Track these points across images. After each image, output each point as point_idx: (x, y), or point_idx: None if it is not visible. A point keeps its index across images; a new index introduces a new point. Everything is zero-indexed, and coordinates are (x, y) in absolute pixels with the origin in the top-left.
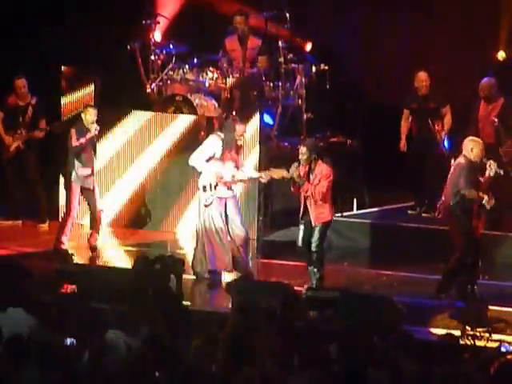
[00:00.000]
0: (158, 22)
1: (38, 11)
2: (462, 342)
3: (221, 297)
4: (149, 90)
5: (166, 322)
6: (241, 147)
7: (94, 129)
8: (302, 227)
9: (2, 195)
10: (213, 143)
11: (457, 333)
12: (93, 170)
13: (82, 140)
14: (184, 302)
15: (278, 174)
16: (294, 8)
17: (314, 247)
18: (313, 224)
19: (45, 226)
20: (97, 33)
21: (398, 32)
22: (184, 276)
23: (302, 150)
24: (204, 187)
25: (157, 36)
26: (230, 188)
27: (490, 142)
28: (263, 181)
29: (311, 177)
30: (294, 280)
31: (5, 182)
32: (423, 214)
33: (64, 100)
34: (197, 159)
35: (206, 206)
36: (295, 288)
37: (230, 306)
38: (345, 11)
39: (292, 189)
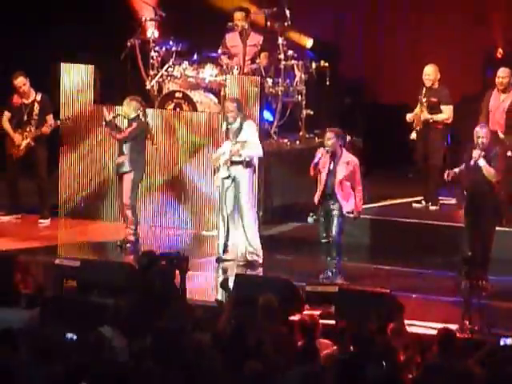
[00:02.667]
0: (158, 19)
1: (37, 9)
2: (460, 336)
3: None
4: (148, 87)
5: (169, 317)
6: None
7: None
8: (321, 220)
9: (3, 190)
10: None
11: (455, 327)
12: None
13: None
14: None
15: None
16: (294, 5)
17: (337, 238)
18: (336, 213)
19: (46, 222)
20: (96, 29)
21: (398, 29)
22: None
23: (329, 135)
24: (214, 170)
25: (156, 32)
26: (230, 167)
27: (500, 131)
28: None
29: (335, 164)
30: (293, 275)
31: (8, 177)
32: (431, 208)
33: (63, 97)
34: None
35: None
36: (294, 283)
37: (226, 300)
38: (345, 8)
39: (311, 173)
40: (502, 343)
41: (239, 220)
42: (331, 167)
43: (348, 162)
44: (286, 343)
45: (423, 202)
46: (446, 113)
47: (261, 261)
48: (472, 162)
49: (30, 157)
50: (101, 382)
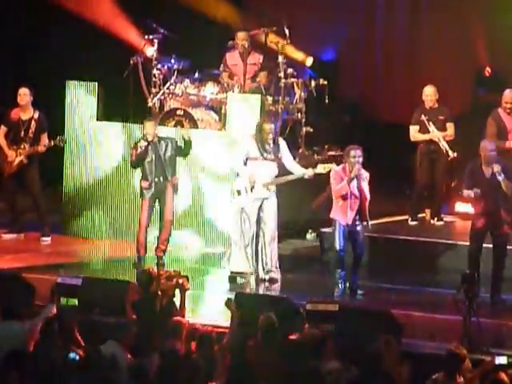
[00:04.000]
0: (160, 37)
1: (40, 25)
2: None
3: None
4: (150, 104)
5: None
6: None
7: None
8: (341, 231)
9: (4, 209)
10: (246, 143)
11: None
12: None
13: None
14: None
15: (325, 168)
16: (293, 23)
17: (360, 251)
18: (361, 229)
19: (48, 240)
20: (99, 46)
21: (396, 47)
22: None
23: (358, 152)
24: (239, 191)
25: (153, 50)
26: (268, 189)
27: None
28: (307, 177)
29: (358, 182)
30: (293, 293)
31: (6, 195)
32: (437, 223)
33: (67, 114)
34: (236, 162)
35: (241, 208)
36: (295, 301)
37: (230, 320)
38: (345, 27)
39: (347, 190)
40: (497, 362)
41: (262, 238)
42: (358, 185)
43: (366, 177)
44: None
45: (428, 218)
46: (451, 130)
47: (278, 277)
48: (489, 176)
49: (22, 174)
50: None
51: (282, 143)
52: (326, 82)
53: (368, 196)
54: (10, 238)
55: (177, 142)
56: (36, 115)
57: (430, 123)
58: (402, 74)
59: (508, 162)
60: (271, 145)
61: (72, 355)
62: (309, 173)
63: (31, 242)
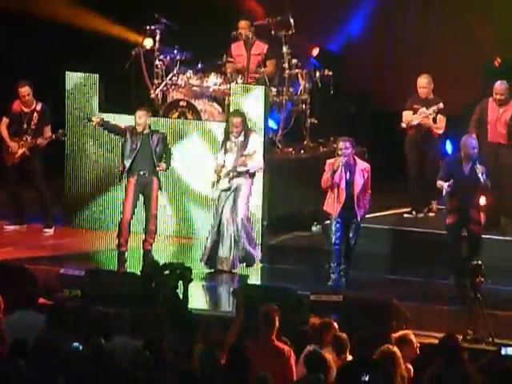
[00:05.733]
0: (162, 28)
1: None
2: (463, 345)
3: (226, 301)
4: (153, 96)
5: (173, 327)
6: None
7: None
8: (337, 225)
9: (7, 200)
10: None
11: (459, 336)
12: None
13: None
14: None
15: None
16: (298, 13)
17: (353, 244)
18: (356, 221)
19: (50, 231)
20: (101, 38)
21: (403, 37)
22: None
23: (344, 144)
24: (212, 183)
25: (151, 42)
26: (232, 180)
27: (503, 143)
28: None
29: (351, 174)
30: (298, 284)
31: (9, 186)
32: (418, 215)
33: (68, 106)
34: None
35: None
36: (299, 292)
37: (235, 310)
38: (351, 17)
39: (325, 185)
40: (503, 352)
41: (233, 230)
42: (348, 177)
43: (363, 169)
44: None
45: (413, 213)
46: (442, 123)
47: (256, 266)
48: (467, 173)
49: (24, 165)
50: None
51: (253, 138)
52: (331, 73)
53: (358, 189)
54: (13, 230)
55: (167, 138)
56: (38, 107)
57: (421, 115)
58: (410, 66)
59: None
60: (237, 138)
61: (75, 344)
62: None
63: (34, 234)
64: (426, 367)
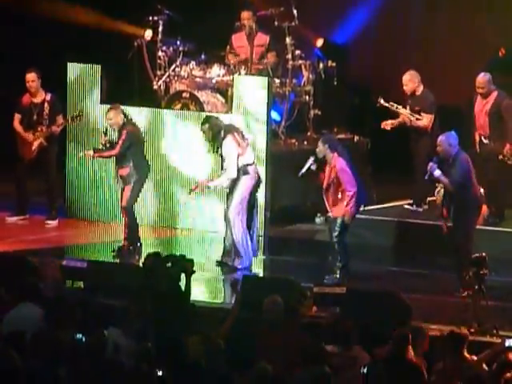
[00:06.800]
0: (165, 18)
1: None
2: (468, 338)
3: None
4: (156, 87)
5: (174, 319)
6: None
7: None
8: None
9: (10, 192)
10: None
11: (463, 328)
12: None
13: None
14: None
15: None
16: (302, 4)
17: (334, 241)
18: (332, 217)
19: (54, 223)
20: (102, 30)
21: (408, 29)
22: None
23: (318, 143)
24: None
25: (151, 33)
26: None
27: (484, 136)
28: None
29: (327, 170)
30: (300, 276)
31: (16, 178)
32: (418, 209)
33: (68, 97)
34: None
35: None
36: (302, 284)
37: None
38: (355, 8)
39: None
40: (507, 344)
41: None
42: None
43: (335, 165)
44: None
45: (414, 206)
46: (426, 121)
47: (239, 267)
48: (426, 177)
49: (41, 157)
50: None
51: (225, 143)
52: (334, 64)
53: (323, 186)
54: (15, 221)
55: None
56: (48, 97)
57: (400, 107)
58: (414, 57)
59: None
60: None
61: (78, 336)
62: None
63: (36, 225)
64: (430, 360)
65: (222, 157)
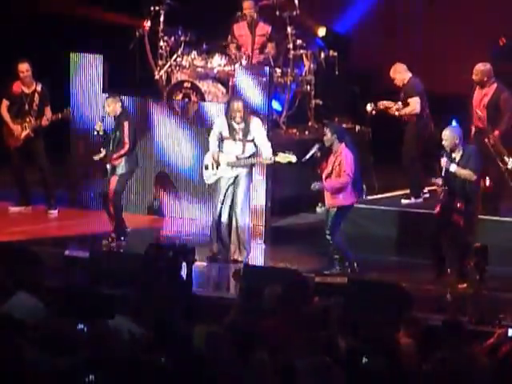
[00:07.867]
0: (166, 8)
1: None
2: (469, 327)
3: (230, 283)
4: (157, 77)
5: (176, 308)
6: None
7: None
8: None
9: (11, 182)
10: (218, 121)
11: (464, 318)
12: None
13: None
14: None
15: (284, 158)
16: None
17: (327, 232)
18: (327, 207)
19: (55, 213)
20: (105, 19)
21: (409, 17)
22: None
23: (326, 131)
24: (206, 166)
25: (164, 22)
26: (234, 168)
27: (482, 127)
28: (267, 162)
29: (330, 159)
30: (302, 266)
31: (13, 168)
32: (408, 201)
33: (71, 87)
34: (210, 137)
35: (208, 184)
36: (304, 274)
37: (237, 291)
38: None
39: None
40: (510, 334)
41: (234, 218)
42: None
43: (340, 155)
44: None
45: (412, 199)
46: (412, 105)
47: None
48: (443, 173)
49: (29, 148)
50: (110, 374)
51: (255, 123)
52: (335, 54)
53: (323, 176)
54: (18, 211)
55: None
56: (39, 88)
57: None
58: (415, 47)
59: (472, 146)
60: (240, 124)
61: (80, 326)
62: (267, 161)
63: (38, 215)
64: (431, 350)
65: (244, 136)
